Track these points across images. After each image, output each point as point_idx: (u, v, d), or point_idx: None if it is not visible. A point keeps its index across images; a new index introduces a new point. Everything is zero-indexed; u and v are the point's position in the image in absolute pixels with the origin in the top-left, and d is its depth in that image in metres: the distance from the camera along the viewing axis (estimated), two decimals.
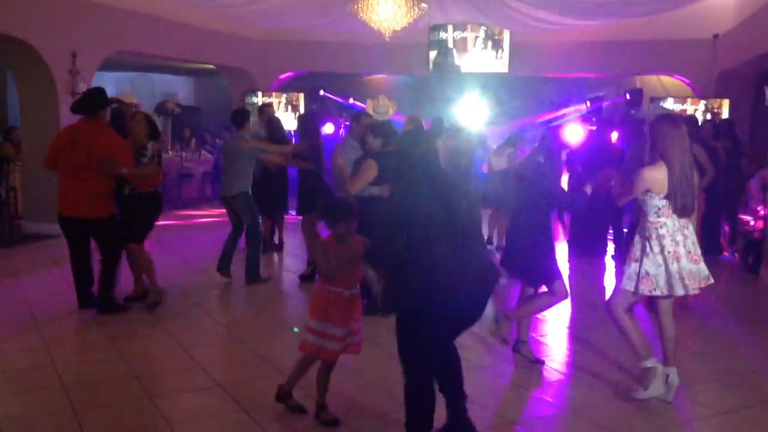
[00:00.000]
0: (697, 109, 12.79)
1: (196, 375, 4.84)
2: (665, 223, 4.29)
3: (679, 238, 4.29)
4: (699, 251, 4.38)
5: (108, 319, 5.99)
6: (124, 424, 4.07)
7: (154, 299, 6.34)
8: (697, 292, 4.38)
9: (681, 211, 4.28)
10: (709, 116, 12.25)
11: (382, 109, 9.70)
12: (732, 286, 7.86)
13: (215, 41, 13.56)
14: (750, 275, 8.27)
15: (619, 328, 4.53)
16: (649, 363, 4.43)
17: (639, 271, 4.35)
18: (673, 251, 4.28)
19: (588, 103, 13.57)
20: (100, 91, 6.21)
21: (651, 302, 5.07)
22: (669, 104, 12.85)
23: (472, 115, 13.50)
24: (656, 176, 4.25)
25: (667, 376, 4.39)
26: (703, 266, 4.36)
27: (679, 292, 4.32)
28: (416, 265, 3.34)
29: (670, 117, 4.50)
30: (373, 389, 4.61)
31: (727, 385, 4.84)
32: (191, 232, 10.24)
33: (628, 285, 4.40)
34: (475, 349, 5.44)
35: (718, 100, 12.78)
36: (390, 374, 4.23)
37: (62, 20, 9.87)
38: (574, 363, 5.20)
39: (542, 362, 5.06)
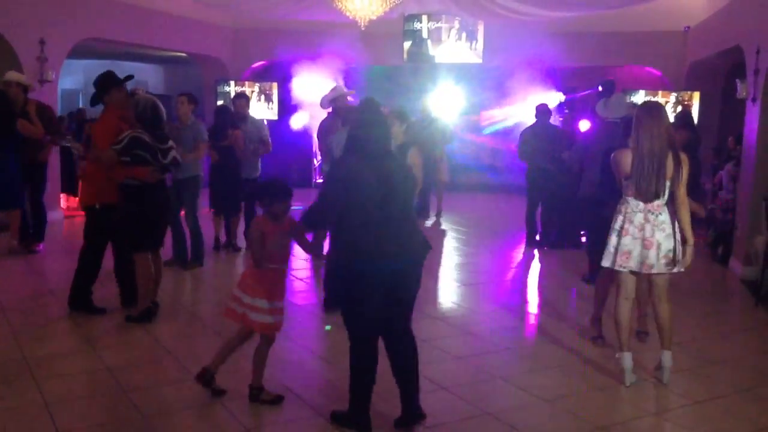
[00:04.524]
0: (668, 101, 12.89)
1: (171, 367, 4.78)
2: (627, 201, 4.53)
3: (637, 219, 4.47)
4: (660, 241, 4.45)
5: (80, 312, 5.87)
6: (97, 417, 4.01)
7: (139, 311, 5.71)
8: (626, 269, 4.54)
9: (640, 195, 4.45)
10: (680, 108, 12.35)
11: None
12: (701, 277, 7.89)
13: (187, 29, 13.37)
14: (720, 266, 8.36)
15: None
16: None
17: (608, 246, 4.60)
18: (621, 227, 4.52)
19: (600, 88, 13.49)
20: (99, 78, 5.85)
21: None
22: (640, 96, 12.88)
23: (446, 106, 13.50)
24: (622, 158, 4.50)
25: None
26: (652, 254, 4.45)
27: (605, 263, 4.62)
28: (354, 232, 3.65)
29: (647, 105, 4.67)
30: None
31: (701, 374, 4.90)
32: None
33: (605, 261, 4.65)
34: (454, 339, 5.46)
35: (689, 92, 12.88)
36: None
37: (30, 7, 9.65)
38: (552, 353, 5.22)
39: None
